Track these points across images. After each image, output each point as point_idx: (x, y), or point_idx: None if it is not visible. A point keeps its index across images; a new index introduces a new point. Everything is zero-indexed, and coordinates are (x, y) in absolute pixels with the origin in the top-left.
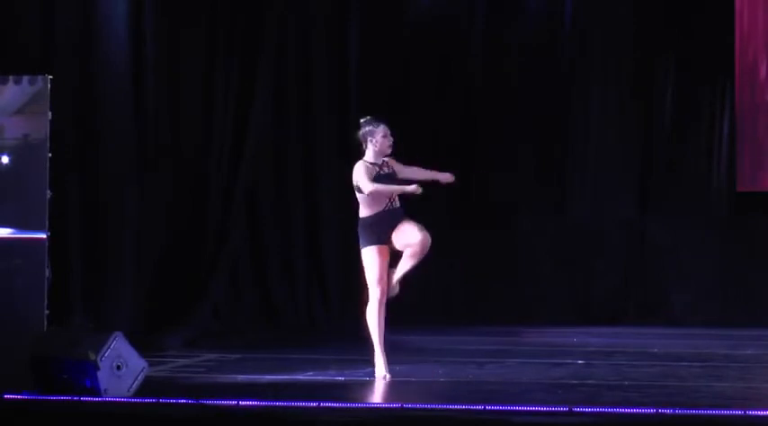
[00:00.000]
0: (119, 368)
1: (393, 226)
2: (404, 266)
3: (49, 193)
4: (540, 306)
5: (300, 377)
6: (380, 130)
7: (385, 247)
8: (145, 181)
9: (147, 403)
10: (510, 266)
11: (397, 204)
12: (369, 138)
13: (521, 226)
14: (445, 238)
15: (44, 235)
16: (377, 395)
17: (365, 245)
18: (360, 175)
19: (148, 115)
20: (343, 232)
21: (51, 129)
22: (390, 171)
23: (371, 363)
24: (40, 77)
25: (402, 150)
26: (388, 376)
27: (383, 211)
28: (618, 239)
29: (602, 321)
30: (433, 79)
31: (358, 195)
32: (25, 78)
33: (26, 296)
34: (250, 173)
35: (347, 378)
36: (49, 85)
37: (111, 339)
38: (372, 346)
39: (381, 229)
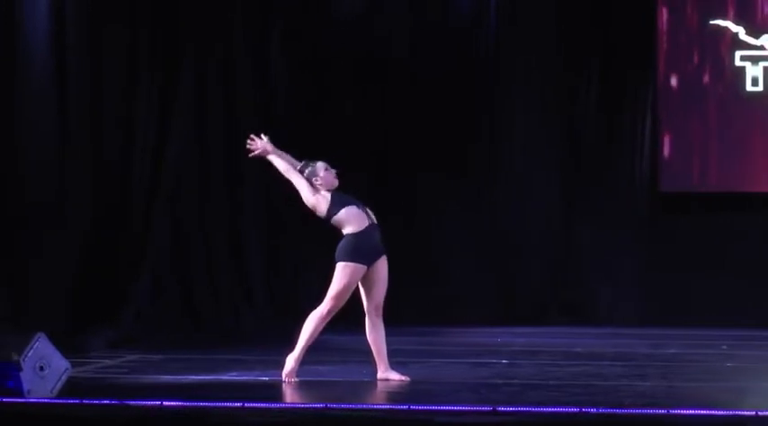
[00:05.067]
0: (42, 368)
1: (378, 251)
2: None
3: None
4: (464, 306)
5: (225, 377)
6: (320, 166)
7: (364, 269)
8: (66, 180)
9: (71, 403)
10: (433, 266)
11: (375, 220)
12: (313, 178)
13: (445, 226)
14: None
15: None
16: (302, 396)
17: (346, 260)
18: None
19: (70, 115)
20: (266, 232)
21: None
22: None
23: (282, 361)
24: None
25: (321, 150)
26: (294, 379)
27: (368, 226)
28: (542, 239)
29: (527, 321)
30: (354, 79)
31: (337, 218)
32: None
33: None
34: (172, 173)
35: (271, 378)
36: None
37: (34, 340)
38: (294, 346)
39: (369, 246)
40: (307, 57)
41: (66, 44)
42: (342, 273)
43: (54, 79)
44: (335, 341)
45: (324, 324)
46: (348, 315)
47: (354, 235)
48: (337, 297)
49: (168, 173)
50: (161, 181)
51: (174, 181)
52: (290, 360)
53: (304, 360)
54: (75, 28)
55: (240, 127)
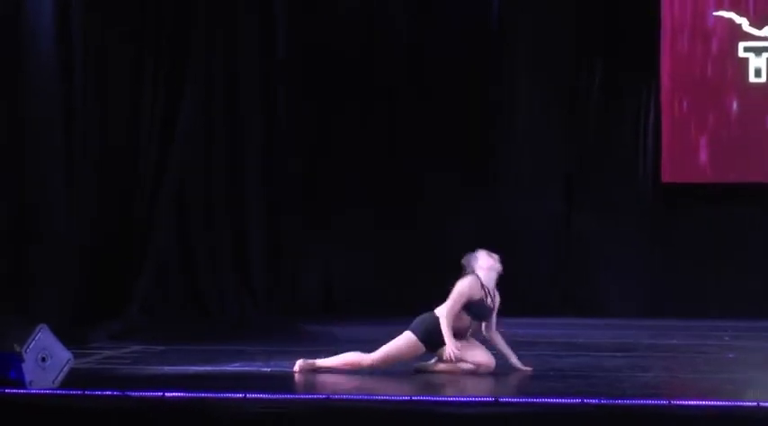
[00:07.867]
0: (44, 360)
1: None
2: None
3: None
4: None
5: (227, 368)
6: (480, 257)
7: (422, 350)
8: (71, 176)
9: (73, 394)
10: (436, 257)
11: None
12: (474, 267)
13: (448, 219)
14: (372, 230)
15: None
16: (304, 386)
17: (416, 335)
18: (459, 290)
19: (75, 111)
20: (269, 228)
21: None
22: (493, 305)
23: (288, 353)
24: None
25: (330, 149)
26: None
27: (461, 335)
28: (544, 230)
29: (529, 312)
30: (360, 78)
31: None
32: None
33: None
34: (177, 169)
35: (273, 369)
36: None
37: (37, 331)
38: (314, 351)
39: (440, 340)
40: (312, 52)
41: (72, 40)
42: (403, 339)
43: (59, 71)
44: (342, 333)
45: (348, 368)
46: (350, 308)
47: (438, 321)
48: (387, 356)
49: (173, 168)
50: (166, 178)
51: (179, 177)
52: (308, 363)
53: (308, 353)
54: (80, 23)
55: (244, 126)
